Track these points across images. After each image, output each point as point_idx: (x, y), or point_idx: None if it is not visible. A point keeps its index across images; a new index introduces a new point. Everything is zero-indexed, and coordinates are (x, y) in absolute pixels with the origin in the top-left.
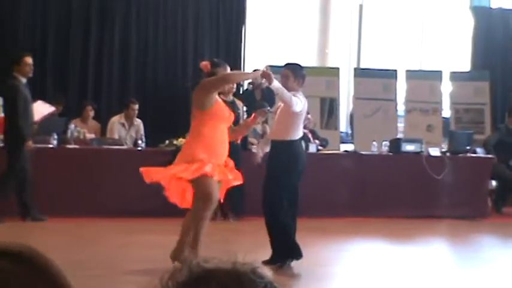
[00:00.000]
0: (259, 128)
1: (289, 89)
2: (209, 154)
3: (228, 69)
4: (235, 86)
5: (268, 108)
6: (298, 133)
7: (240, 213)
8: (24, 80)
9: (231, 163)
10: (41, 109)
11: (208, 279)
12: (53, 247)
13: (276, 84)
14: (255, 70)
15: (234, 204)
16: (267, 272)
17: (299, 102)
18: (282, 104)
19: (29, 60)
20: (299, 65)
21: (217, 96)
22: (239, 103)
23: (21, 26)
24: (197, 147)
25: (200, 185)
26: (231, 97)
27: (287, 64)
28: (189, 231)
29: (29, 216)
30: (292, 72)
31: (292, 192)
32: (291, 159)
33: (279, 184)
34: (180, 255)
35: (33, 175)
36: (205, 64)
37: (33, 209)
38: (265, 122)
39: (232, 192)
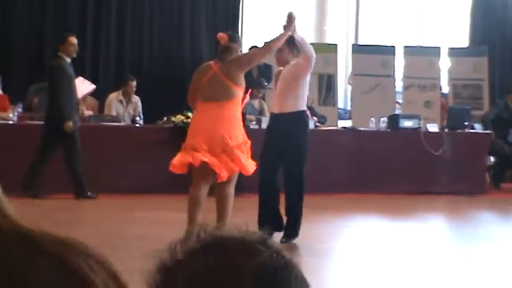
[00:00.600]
0: (256, 104)
1: (285, 61)
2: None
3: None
4: None
5: (266, 83)
6: (305, 103)
7: (237, 190)
8: (68, 60)
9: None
10: (82, 87)
11: (216, 247)
12: (55, 224)
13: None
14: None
15: None
16: (276, 243)
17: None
18: (283, 77)
19: (74, 40)
20: (292, 37)
21: None
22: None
23: (18, 8)
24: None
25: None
26: None
27: None
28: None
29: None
30: (287, 45)
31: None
32: (306, 130)
33: (302, 158)
34: None
35: (30, 153)
36: (222, 36)
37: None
38: (263, 98)
39: None
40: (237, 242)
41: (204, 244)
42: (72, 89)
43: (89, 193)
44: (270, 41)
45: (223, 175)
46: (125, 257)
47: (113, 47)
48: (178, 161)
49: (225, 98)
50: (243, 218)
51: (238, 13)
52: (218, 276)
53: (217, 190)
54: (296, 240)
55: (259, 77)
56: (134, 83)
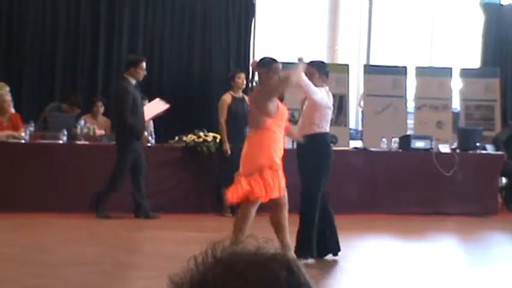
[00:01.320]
0: None
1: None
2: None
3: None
4: (244, 81)
5: None
6: (326, 127)
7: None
8: (133, 82)
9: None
10: (155, 107)
11: (229, 263)
12: (64, 242)
13: (305, 79)
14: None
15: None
16: (290, 257)
17: (318, 92)
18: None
19: (144, 64)
20: (323, 62)
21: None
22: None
23: (30, 26)
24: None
25: None
26: (240, 94)
27: (311, 61)
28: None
29: (140, 212)
30: (317, 69)
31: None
32: (320, 150)
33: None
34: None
35: (44, 171)
36: (254, 62)
37: (144, 206)
38: None
39: None
40: (250, 257)
41: (218, 260)
42: (137, 109)
43: (150, 213)
44: (284, 76)
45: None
46: (136, 276)
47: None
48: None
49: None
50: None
51: (249, 31)
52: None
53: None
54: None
55: None
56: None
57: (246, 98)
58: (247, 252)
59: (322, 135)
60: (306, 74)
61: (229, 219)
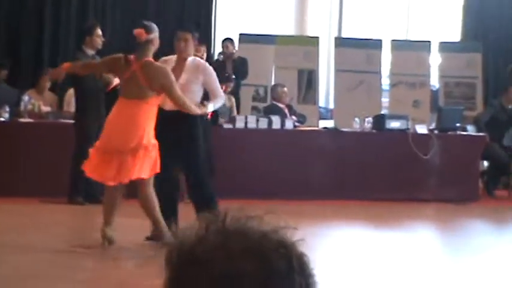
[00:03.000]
0: (226, 100)
1: (190, 53)
2: None
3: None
4: (205, 55)
5: (233, 77)
6: None
7: None
8: (92, 52)
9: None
10: None
11: (229, 239)
12: (9, 229)
13: (210, 106)
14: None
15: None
16: (296, 252)
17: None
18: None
19: (99, 30)
20: (196, 25)
21: None
22: None
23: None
24: None
25: None
26: None
27: (185, 27)
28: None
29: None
30: (192, 35)
31: None
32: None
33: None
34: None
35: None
36: (140, 32)
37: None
38: (231, 93)
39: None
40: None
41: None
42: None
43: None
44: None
45: None
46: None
47: (73, 38)
48: None
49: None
50: None
51: (211, 14)
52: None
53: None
54: None
55: (231, 71)
56: None
57: None
58: (252, 234)
59: None
60: (179, 39)
61: (187, 205)
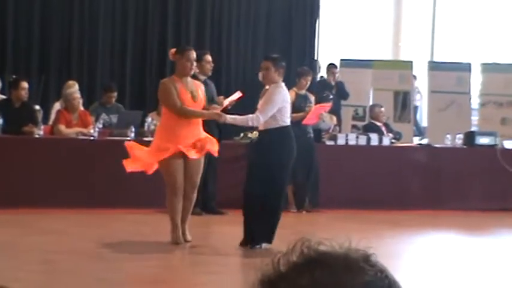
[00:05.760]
0: (327, 118)
1: (270, 80)
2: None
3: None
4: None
5: (330, 97)
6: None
7: (314, 205)
8: (203, 78)
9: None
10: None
11: (318, 263)
12: (132, 237)
13: (228, 119)
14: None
15: (309, 196)
16: (379, 262)
17: (264, 113)
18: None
19: (209, 57)
20: (279, 57)
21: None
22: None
23: (101, 21)
24: None
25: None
26: (303, 91)
27: (266, 56)
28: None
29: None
30: (273, 64)
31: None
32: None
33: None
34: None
35: (112, 168)
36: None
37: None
38: (332, 112)
39: (306, 184)
40: (341, 258)
41: (308, 259)
42: None
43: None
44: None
45: None
46: (201, 271)
47: None
48: None
49: None
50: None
51: (314, 30)
52: None
53: None
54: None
55: (326, 92)
56: None
57: (309, 94)
58: (337, 253)
59: (284, 129)
60: (262, 68)
61: (293, 214)
